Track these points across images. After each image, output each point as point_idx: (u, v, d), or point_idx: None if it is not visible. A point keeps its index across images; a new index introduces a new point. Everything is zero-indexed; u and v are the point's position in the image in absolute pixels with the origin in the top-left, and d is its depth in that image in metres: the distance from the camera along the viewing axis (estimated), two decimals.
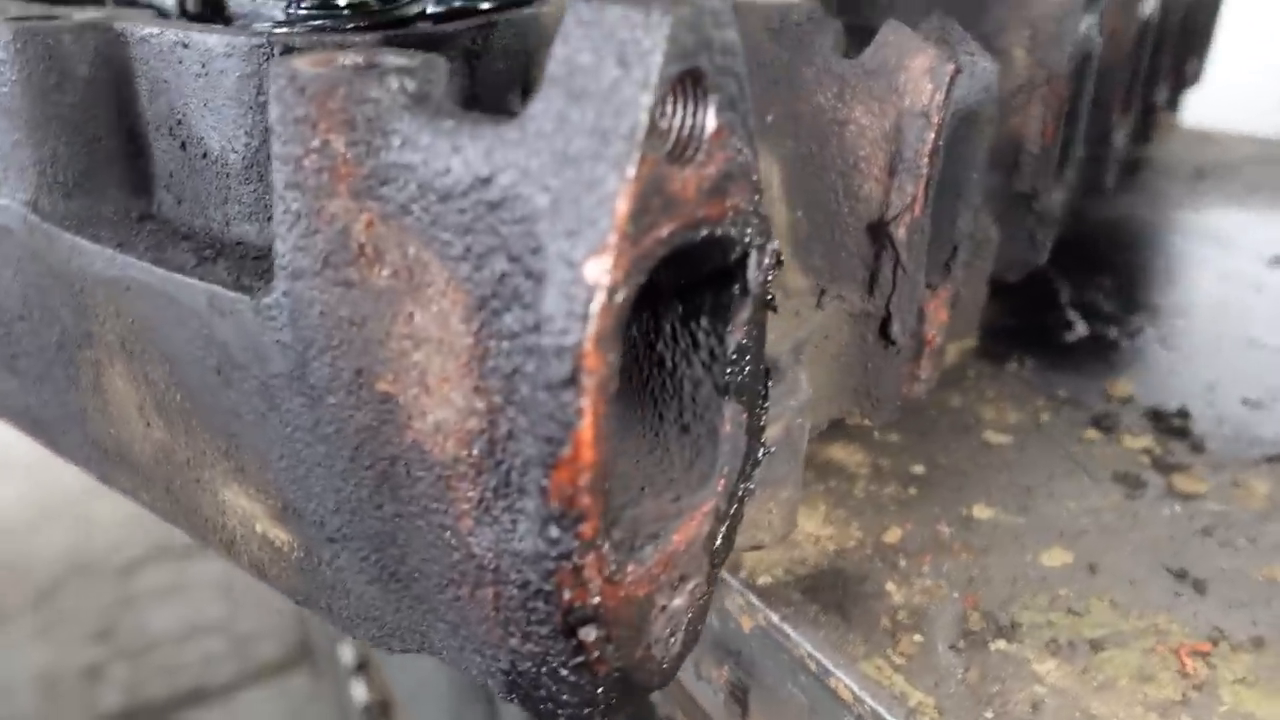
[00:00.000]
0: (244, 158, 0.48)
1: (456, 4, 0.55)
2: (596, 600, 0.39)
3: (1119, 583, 0.70)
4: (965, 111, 0.63)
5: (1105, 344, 1.05)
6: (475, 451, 0.39)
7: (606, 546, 0.38)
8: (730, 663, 0.73)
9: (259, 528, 0.50)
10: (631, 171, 0.32)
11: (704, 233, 0.38)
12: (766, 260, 0.42)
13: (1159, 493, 0.81)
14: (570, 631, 0.39)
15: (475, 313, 0.37)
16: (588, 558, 0.37)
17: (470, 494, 0.41)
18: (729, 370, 0.44)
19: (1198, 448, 0.87)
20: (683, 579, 0.45)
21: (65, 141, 0.50)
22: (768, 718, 0.71)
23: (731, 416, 0.45)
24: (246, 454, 0.47)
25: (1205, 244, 1.31)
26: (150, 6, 0.56)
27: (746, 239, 0.41)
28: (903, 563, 0.72)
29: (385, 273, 0.39)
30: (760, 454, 0.48)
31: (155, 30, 0.47)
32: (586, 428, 0.35)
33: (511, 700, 0.46)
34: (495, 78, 0.53)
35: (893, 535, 0.75)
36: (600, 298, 0.33)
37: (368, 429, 0.42)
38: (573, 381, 0.34)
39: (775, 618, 0.67)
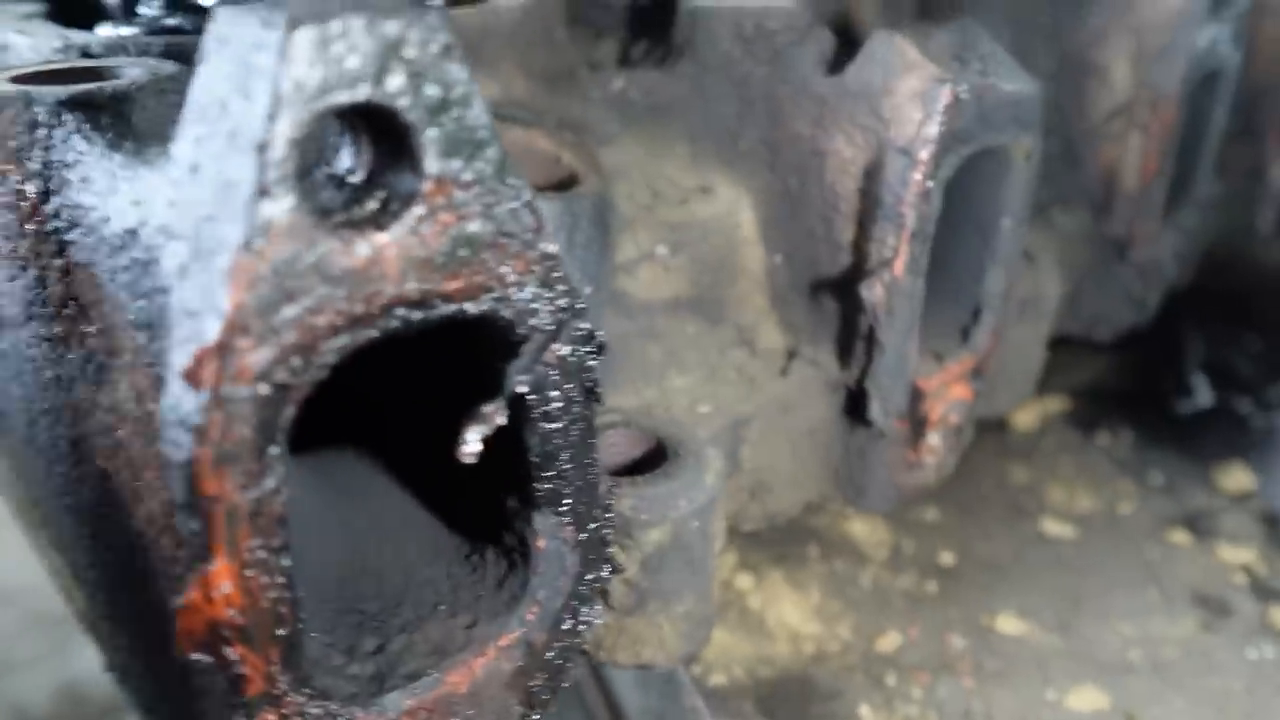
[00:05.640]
0: None
1: None
2: None
3: None
4: (985, 147, 0.51)
5: (1229, 419, 0.87)
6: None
7: (301, 698, 0.30)
8: None
9: (66, 583, 0.45)
10: (244, 239, 0.24)
11: (444, 312, 0.29)
12: (565, 346, 0.32)
13: (1248, 627, 0.64)
14: None
15: (158, 393, 0.30)
16: (260, 716, 0.30)
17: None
18: (537, 477, 0.35)
19: None
20: None
21: None
22: None
23: (547, 532, 0.36)
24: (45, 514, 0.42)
25: None
26: None
27: (530, 320, 0.31)
28: (891, 680, 0.60)
29: (92, 330, 0.32)
30: (605, 573, 0.39)
31: None
32: (219, 570, 0.27)
33: None
34: None
35: (889, 642, 0.63)
36: (207, 405, 0.25)
37: (97, 509, 0.35)
38: (192, 508, 0.26)
39: None
